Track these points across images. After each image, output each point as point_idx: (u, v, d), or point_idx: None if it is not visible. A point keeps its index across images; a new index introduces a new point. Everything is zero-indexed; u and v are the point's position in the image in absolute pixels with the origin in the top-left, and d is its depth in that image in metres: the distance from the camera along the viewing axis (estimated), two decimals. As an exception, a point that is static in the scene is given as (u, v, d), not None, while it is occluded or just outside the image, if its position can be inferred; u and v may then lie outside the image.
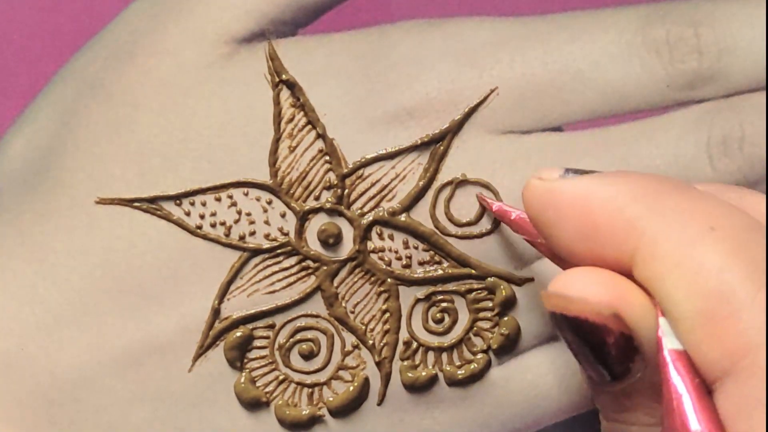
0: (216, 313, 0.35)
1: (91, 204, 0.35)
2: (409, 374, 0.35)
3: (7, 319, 0.34)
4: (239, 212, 0.35)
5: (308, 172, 0.35)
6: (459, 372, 0.35)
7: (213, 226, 0.35)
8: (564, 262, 0.31)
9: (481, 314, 0.35)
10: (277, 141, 0.35)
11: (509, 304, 0.35)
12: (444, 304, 0.35)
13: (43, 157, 0.36)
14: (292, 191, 0.35)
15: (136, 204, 0.35)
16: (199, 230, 0.35)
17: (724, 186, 0.31)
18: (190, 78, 0.35)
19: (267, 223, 0.35)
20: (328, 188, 0.35)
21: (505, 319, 0.35)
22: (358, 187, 0.35)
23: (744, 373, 0.27)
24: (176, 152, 0.35)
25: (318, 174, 0.35)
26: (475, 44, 0.35)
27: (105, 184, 0.35)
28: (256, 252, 0.35)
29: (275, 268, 0.35)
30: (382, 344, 0.35)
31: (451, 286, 0.35)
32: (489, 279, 0.35)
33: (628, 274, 0.29)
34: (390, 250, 0.35)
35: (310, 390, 0.35)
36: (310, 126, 0.35)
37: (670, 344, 0.28)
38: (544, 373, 0.35)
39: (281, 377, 0.35)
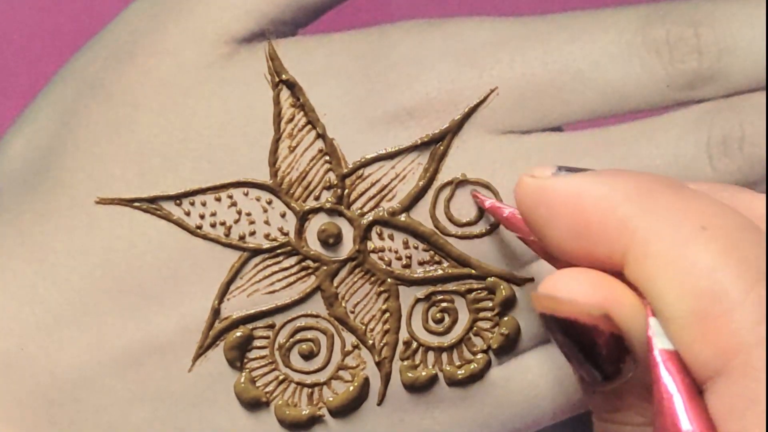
0: (216, 313, 0.35)
1: (91, 204, 0.35)
2: (409, 374, 0.35)
3: (7, 319, 0.34)
4: (239, 212, 0.35)
5: (308, 172, 0.35)
6: (459, 372, 0.35)
7: (213, 226, 0.35)
8: (556, 260, 0.31)
9: (481, 314, 0.35)
10: (277, 141, 0.35)
11: (509, 304, 0.35)
12: (444, 304, 0.35)
13: (43, 157, 0.36)
14: (292, 191, 0.35)
15: (136, 204, 0.35)
16: (199, 230, 0.35)
17: (717, 185, 0.31)
18: (190, 78, 0.35)
19: (267, 223, 0.35)
20: (328, 188, 0.35)
21: (505, 319, 0.35)
22: (358, 187, 0.35)
23: (736, 373, 0.27)
24: (176, 152, 0.35)
25: (318, 174, 0.35)
26: (475, 44, 0.35)
27: (105, 184, 0.35)
28: (256, 252, 0.35)
29: (275, 268, 0.35)
30: (382, 344, 0.35)
31: (451, 286, 0.35)
32: (489, 279, 0.35)
33: (620, 273, 0.29)
34: (390, 250, 0.35)
35: (310, 390, 0.35)
36: (310, 126, 0.35)
37: (660, 344, 0.28)
38: (545, 373, 0.35)
39: (281, 377, 0.35)
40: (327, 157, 0.35)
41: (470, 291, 0.35)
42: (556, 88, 0.34)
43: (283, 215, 0.35)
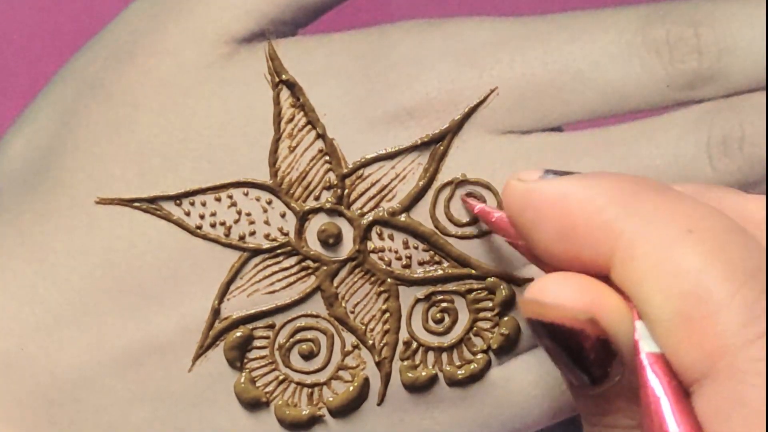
0: (216, 313, 0.35)
1: (91, 204, 0.35)
2: (409, 374, 0.35)
3: (7, 319, 0.34)
4: (239, 212, 0.35)
5: (308, 172, 0.35)
6: (459, 372, 0.35)
7: (213, 226, 0.35)
8: (544, 263, 0.31)
9: (481, 314, 0.35)
10: (277, 141, 0.35)
11: (509, 304, 0.35)
12: (444, 304, 0.35)
13: (43, 157, 0.36)
14: (292, 191, 0.35)
15: (136, 204, 0.35)
16: (199, 230, 0.35)
17: (704, 186, 0.31)
18: (190, 78, 0.35)
19: (267, 223, 0.35)
20: (328, 188, 0.35)
21: (505, 319, 0.35)
22: (358, 187, 0.35)
23: (722, 375, 0.26)
24: (176, 152, 0.35)
25: (318, 174, 0.35)
26: (475, 44, 0.35)
27: (105, 184, 0.35)
28: (256, 252, 0.35)
29: (275, 268, 0.35)
30: (382, 344, 0.35)
31: (451, 286, 0.35)
32: (489, 279, 0.35)
33: (606, 276, 0.29)
34: (390, 250, 0.35)
35: (310, 390, 0.35)
36: (310, 126, 0.35)
37: (647, 347, 0.28)
38: (545, 373, 0.35)
39: (281, 377, 0.35)
40: (327, 157, 0.35)
41: (470, 291, 0.35)
42: (556, 88, 0.34)
43: (283, 215, 0.35)
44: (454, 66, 0.35)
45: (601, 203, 0.29)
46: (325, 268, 0.35)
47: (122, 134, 0.35)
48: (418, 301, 0.35)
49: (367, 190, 0.35)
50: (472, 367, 0.35)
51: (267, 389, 0.35)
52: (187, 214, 0.35)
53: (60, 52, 0.40)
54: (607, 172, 0.30)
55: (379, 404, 0.35)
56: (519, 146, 0.35)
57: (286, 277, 0.35)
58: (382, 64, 0.35)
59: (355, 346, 0.35)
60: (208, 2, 0.35)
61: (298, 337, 0.35)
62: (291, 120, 0.35)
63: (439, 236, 0.35)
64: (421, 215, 0.35)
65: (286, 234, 0.35)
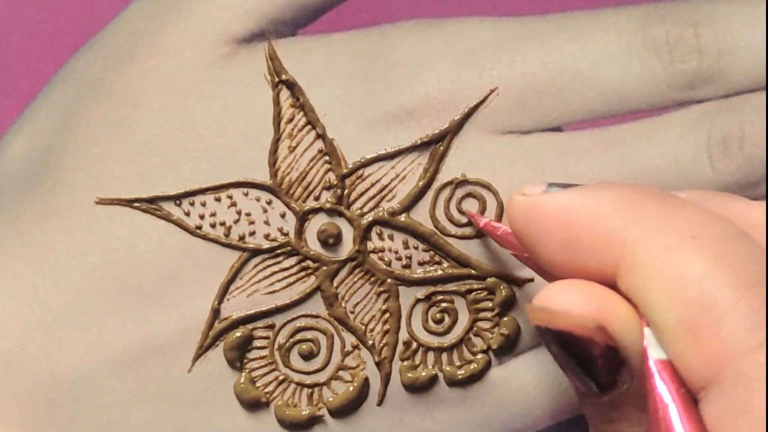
0: (216, 313, 0.35)
1: (91, 204, 0.35)
2: (409, 374, 0.35)
3: (7, 319, 0.34)
4: (239, 212, 0.35)
5: (308, 172, 0.35)
6: (459, 372, 0.35)
7: (213, 226, 0.35)
8: (550, 275, 0.31)
9: (481, 314, 0.35)
10: (277, 141, 0.35)
11: (509, 304, 0.35)
12: (444, 305, 0.35)
13: (43, 157, 0.36)
14: (291, 191, 0.35)
15: (136, 204, 0.35)
16: (198, 230, 0.35)
17: (707, 193, 0.31)
18: (190, 78, 0.35)
19: (267, 223, 0.35)
20: (327, 188, 0.35)
21: (505, 319, 0.35)
22: (358, 188, 0.35)
23: (727, 382, 0.26)
24: (176, 152, 0.35)
25: (318, 174, 0.35)
26: (475, 44, 0.35)
27: (105, 184, 0.35)
28: (255, 252, 0.35)
29: (275, 268, 0.35)
30: (381, 344, 0.35)
31: (451, 287, 0.35)
32: (489, 279, 0.35)
33: (612, 285, 0.29)
34: (390, 250, 0.35)
35: (310, 390, 0.35)
36: (309, 126, 0.35)
37: (655, 354, 0.28)
38: (545, 374, 0.35)
39: (281, 377, 0.35)
40: (327, 158, 0.35)
41: (470, 291, 0.35)
42: (556, 88, 0.34)
43: (282, 215, 0.35)
44: (454, 66, 0.35)
45: (604, 213, 0.29)
46: (324, 268, 0.35)
47: (122, 134, 0.35)
48: (418, 301, 0.35)
49: (367, 190, 0.35)
50: (472, 367, 0.35)
51: (267, 389, 0.35)
52: (187, 214, 0.35)
53: (60, 52, 0.40)
54: (609, 183, 0.30)
55: (379, 404, 0.35)
56: (519, 146, 0.35)
57: (285, 278, 0.35)
58: (382, 64, 0.35)
59: (355, 347, 0.35)
60: (208, 2, 0.35)
61: (297, 337, 0.35)
62: (291, 120, 0.35)
63: (439, 236, 0.35)
64: (421, 215, 0.35)
65: (286, 234, 0.35)
